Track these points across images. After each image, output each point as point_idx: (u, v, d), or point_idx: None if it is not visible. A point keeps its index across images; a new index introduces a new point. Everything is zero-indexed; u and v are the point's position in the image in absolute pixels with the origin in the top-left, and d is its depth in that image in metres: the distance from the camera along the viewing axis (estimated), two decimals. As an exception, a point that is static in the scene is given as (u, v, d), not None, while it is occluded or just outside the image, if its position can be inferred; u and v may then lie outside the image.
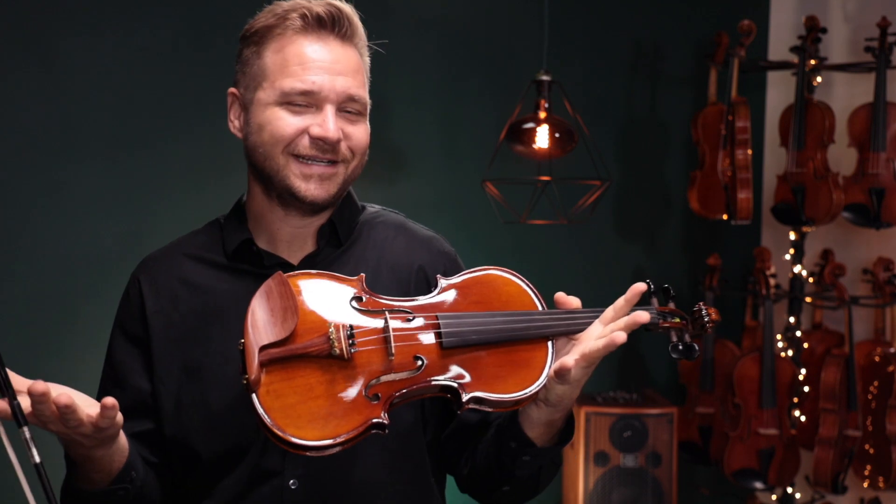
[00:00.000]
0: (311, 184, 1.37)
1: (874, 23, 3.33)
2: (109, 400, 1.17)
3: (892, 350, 3.40)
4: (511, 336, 1.28)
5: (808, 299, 3.52)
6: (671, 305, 1.37)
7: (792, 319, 3.50)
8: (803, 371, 3.44)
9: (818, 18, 3.40)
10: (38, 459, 1.05)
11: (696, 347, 1.34)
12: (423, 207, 3.40)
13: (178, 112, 3.25)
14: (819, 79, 3.45)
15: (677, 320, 1.36)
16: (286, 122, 1.36)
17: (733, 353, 3.52)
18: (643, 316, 1.26)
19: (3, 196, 3.13)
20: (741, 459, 3.45)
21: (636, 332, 1.30)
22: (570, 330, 1.30)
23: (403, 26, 3.46)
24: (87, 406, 1.20)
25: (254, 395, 1.17)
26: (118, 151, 3.21)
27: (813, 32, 3.38)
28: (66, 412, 1.15)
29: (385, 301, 1.29)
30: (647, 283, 1.35)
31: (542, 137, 3.07)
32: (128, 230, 3.19)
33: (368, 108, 1.43)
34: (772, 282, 3.48)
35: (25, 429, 1.07)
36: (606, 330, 1.26)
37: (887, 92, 3.31)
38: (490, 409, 1.27)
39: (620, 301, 1.29)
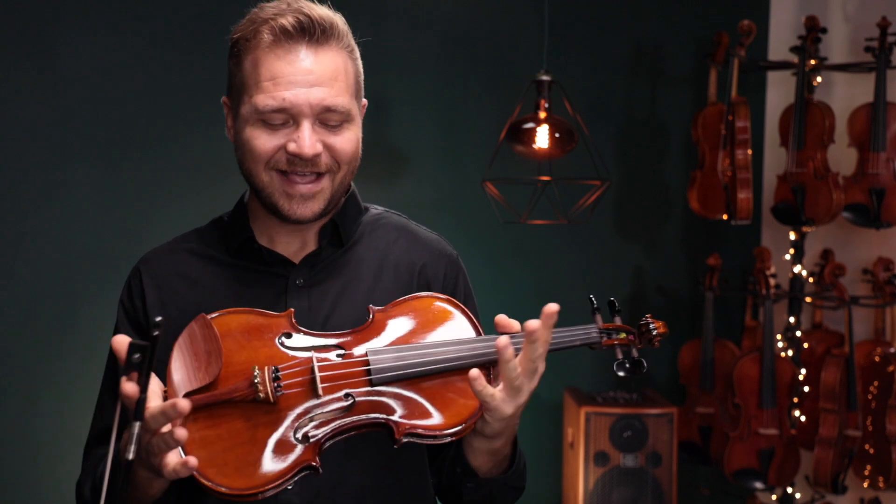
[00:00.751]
0: (294, 203, 1.36)
1: (874, 23, 3.33)
2: (192, 461, 1.14)
3: (892, 350, 3.40)
4: (444, 368, 1.25)
5: (808, 299, 3.52)
6: (617, 321, 1.34)
7: (792, 319, 3.50)
8: (803, 371, 3.44)
9: (818, 18, 3.40)
10: (131, 456, 1.06)
11: (644, 363, 1.31)
12: (423, 207, 3.41)
13: (177, 113, 3.25)
14: (819, 79, 3.45)
15: (623, 335, 1.33)
16: (263, 141, 1.34)
17: (733, 353, 3.52)
18: (532, 324, 1.20)
19: (3, 196, 3.14)
20: (741, 459, 3.45)
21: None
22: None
23: (403, 26, 3.46)
24: None
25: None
26: (118, 152, 3.21)
27: (813, 32, 3.38)
28: (167, 442, 1.12)
29: (313, 335, 1.26)
30: (591, 300, 1.33)
31: (542, 137, 3.07)
32: (127, 230, 3.19)
33: (355, 111, 1.39)
34: (772, 282, 3.48)
35: (137, 424, 1.07)
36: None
37: (887, 92, 3.31)
38: (428, 443, 1.23)
39: (536, 323, 1.23)
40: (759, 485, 3.45)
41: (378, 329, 1.28)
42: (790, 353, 3.48)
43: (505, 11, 3.63)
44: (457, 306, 1.32)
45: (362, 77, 1.44)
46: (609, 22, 3.72)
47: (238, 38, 1.38)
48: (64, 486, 3.18)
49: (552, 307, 1.22)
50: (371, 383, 1.23)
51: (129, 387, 1.08)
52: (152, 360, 1.07)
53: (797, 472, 3.49)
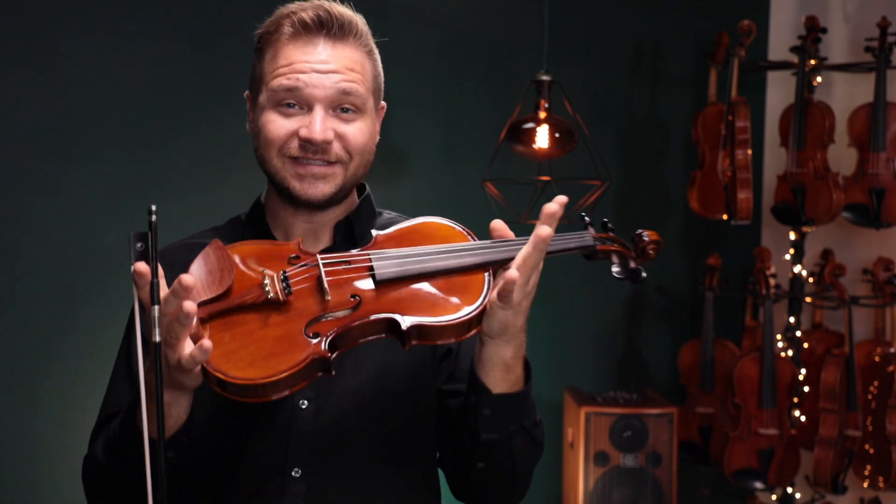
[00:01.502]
0: (305, 183, 1.39)
1: (874, 23, 3.33)
2: (206, 343, 1.16)
3: (892, 350, 3.40)
4: (446, 266, 1.28)
5: (808, 299, 3.53)
6: (610, 235, 1.38)
7: (792, 319, 3.50)
8: (803, 371, 3.44)
9: (818, 18, 3.40)
10: (157, 339, 1.12)
11: (641, 269, 1.34)
12: (423, 207, 3.38)
13: (178, 112, 3.25)
14: (819, 79, 3.45)
15: (617, 246, 1.37)
16: (277, 125, 1.38)
17: (733, 353, 3.52)
18: (558, 201, 1.25)
19: (3, 196, 3.14)
20: (741, 459, 3.45)
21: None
22: (504, 257, 1.29)
23: (403, 26, 3.46)
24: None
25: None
26: (118, 151, 3.22)
27: (813, 32, 3.38)
28: (180, 320, 1.14)
29: (318, 255, 1.31)
30: (582, 216, 1.36)
31: (542, 137, 3.07)
32: (128, 230, 3.19)
33: (370, 105, 1.42)
34: (772, 282, 3.48)
35: (155, 307, 1.13)
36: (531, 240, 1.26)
37: (887, 92, 3.31)
38: (437, 341, 1.26)
39: (541, 217, 1.28)
40: (759, 485, 3.45)
41: (381, 244, 1.33)
42: (790, 353, 3.48)
43: (505, 11, 3.63)
44: (456, 224, 1.36)
45: (382, 80, 1.47)
46: (609, 22, 3.73)
47: (261, 33, 1.43)
48: (64, 486, 3.19)
49: (562, 198, 1.27)
50: (375, 281, 1.26)
51: (140, 265, 1.13)
52: (156, 244, 1.13)
53: (797, 472, 3.49)
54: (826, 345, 3.49)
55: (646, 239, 1.38)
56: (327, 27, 1.38)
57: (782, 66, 3.53)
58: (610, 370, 3.81)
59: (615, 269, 1.34)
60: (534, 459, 1.42)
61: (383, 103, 1.49)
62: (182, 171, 3.27)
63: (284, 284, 1.24)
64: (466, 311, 1.26)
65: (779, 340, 3.51)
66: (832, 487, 3.38)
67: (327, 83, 1.36)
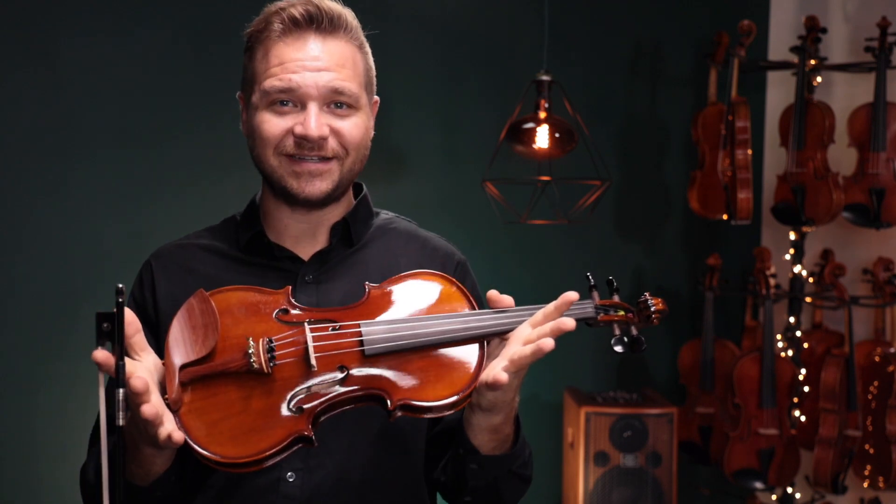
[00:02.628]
0: (302, 181, 1.38)
1: (874, 23, 3.33)
2: (177, 435, 1.15)
3: (892, 350, 3.40)
4: (438, 340, 1.25)
5: (808, 299, 3.52)
6: (615, 298, 1.33)
7: (792, 319, 3.50)
8: (803, 371, 3.44)
9: (818, 18, 3.40)
10: (122, 422, 1.08)
11: (643, 340, 1.30)
12: (423, 207, 3.41)
13: (178, 112, 3.25)
14: (819, 79, 3.45)
15: (621, 313, 1.31)
16: (272, 125, 1.38)
17: (733, 353, 3.52)
18: (568, 324, 1.20)
19: (4, 196, 3.14)
20: (741, 459, 3.45)
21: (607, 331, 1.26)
22: (499, 330, 1.26)
23: (403, 26, 3.46)
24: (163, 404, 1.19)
25: (176, 416, 1.17)
26: (119, 151, 3.22)
27: (813, 32, 3.38)
28: (144, 422, 1.14)
29: (308, 311, 1.28)
30: (588, 277, 1.33)
31: (542, 137, 3.07)
32: (128, 230, 3.20)
33: (364, 100, 1.42)
34: (772, 282, 3.48)
35: (121, 391, 1.09)
36: (534, 335, 1.22)
37: (887, 92, 3.31)
38: (424, 416, 1.23)
39: (550, 307, 1.24)
40: (759, 485, 3.45)
41: (373, 304, 1.29)
42: (790, 353, 3.48)
43: (505, 11, 3.63)
44: (451, 282, 1.32)
45: (374, 73, 1.47)
46: (609, 22, 3.73)
47: (251, 32, 1.43)
48: (64, 486, 3.19)
49: (571, 295, 1.24)
50: (364, 355, 1.23)
51: (99, 354, 1.11)
52: (122, 327, 1.10)
53: (797, 472, 3.49)
54: (826, 345, 3.49)
55: (651, 308, 1.32)
56: (317, 22, 1.37)
57: (782, 66, 3.53)
58: (610, 370, 3.81)
59: (616, 345, 1.28)
60: (521, 493, 1.43)
61: (376, 98, 1.48)
62: (181, 171, 3.27)
63: (270, 356, 1.21)
64: (455, 395, 1.22)
65: (779, 340, 3.51)
66: (832, 487, 3.38)
67: (320, 82, 1.36)
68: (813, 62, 3.40)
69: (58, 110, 3.15)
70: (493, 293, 1.28)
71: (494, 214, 3.24)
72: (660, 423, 3.38)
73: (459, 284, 1.33)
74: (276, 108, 1.37)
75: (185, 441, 1.16)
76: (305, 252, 1.46)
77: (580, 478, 3.36)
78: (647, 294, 1.34)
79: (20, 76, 3.11)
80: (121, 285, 1.09)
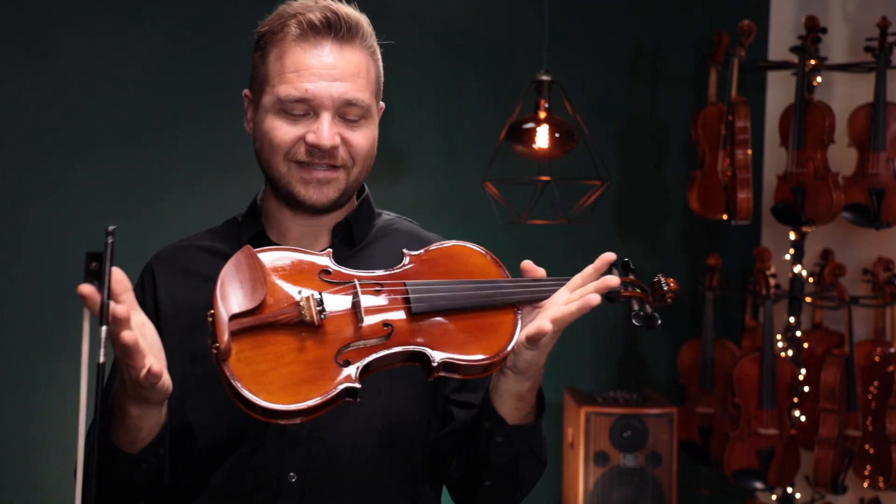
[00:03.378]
0: (310, 188, 1.38)
1: (874, 23, 3.33)
2: (156, 367, 1.16)
3: (892, 350, 3.40)
4: (478, 303, 1.29)
5: (808, 299, 3.52)
6: (631, 277, 1.39)
7: (792, 319, 3.50)
8: (803, 371, 3.44)
9: (818, 18, 3.40)
10: (102, 360, 1.06)
11: (658, 317, 1.36)
12: (423, 207, 3.41)
13: (178, 112, 3.25)
14: (819, 79, 3.45)
15: (638, 290, 1.39)
16: (283, 131, 1.37)
17: (733, 353, 3.52)
18: (613, 280, 1.28)
19: (4, 196, 3.14)
20: (741, 459, 3.45)
21: (631, 332, 1.30)
22: (535, 297, 1.31)
23: (403, 26, 3.46)
24: (154, 356, 1.19)
25: (224, 365, 1.17)
26: (119, 151, 3.22)
27: (813, 32, 3.38)
28: (124, 350, 1.14)
29: (353, 272, 1.30)
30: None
31: (542, 137, 3.07)
32: (128, 230, 3.18)
33: (374, 110, 1.42)
34: (772, 282, 3.48)
35: (103, 328, 1.09)
36: (576, 294, 1.27)
37: (887, 92, 3.31)
38: (461, 376, 1.27)
39: (589, 269, 1.31)
40: (759, 485, 3.45)
41: (413, 269, 1.33)
42: (790, 353, 3.48)
43: (505, 11, 3.63)
44: (487, 253, 1.37)
45: (382, 79, 1.47)
46: (609, 22, 3.73)
47: (265, 31, 1.41)
48: (64, 486, 3.18)
49: (610, 255, 1.32)
50: (410, 312, 1.26)
51: (85, 287, 1.10)
52: (110, 265, 1.10)
53: (797, 472, 3.49)
54: (826, 345, 3.49)
55: (665, 288, 1.41)
56: (335, 29, 1.37)
57: (782, 66, 3.53)
58: (610, 370, 3.81)
59: (635, 319, 1.36)
60: (537, 476, 1.44)
61: (382, 104, 1.49)
62: (182, 171, 3.27)
63: (320, 308, 1.23)
64: (496, 352, 1.26)
65: (779, 340, 3.51)
66: (832, 487, 3.38)
67: (334, 93, 1.35)
68: (813, 62, 3.40)
69: (58, 110, 3.15)
70: (527, 263, 1.33)
71: (494, 214, 3.24)
72: (660, 423, 3.38)
73: (494, 256, 1.36)
74: (287, 115, 1.37)
75: (234, 388, 1.17)
76: None
77: (580, 478, 3.36)
78: (660, 275, 1.41)
79: (20, 76, 3.11)
80: (111, 227, 1.10)
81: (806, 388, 3.43)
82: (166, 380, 1.21)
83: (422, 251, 1.36)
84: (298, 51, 1.36)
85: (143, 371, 1.16)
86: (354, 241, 1.47)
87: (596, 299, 1.24)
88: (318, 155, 1.37)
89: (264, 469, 1.37)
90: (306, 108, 1.36)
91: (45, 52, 3.13)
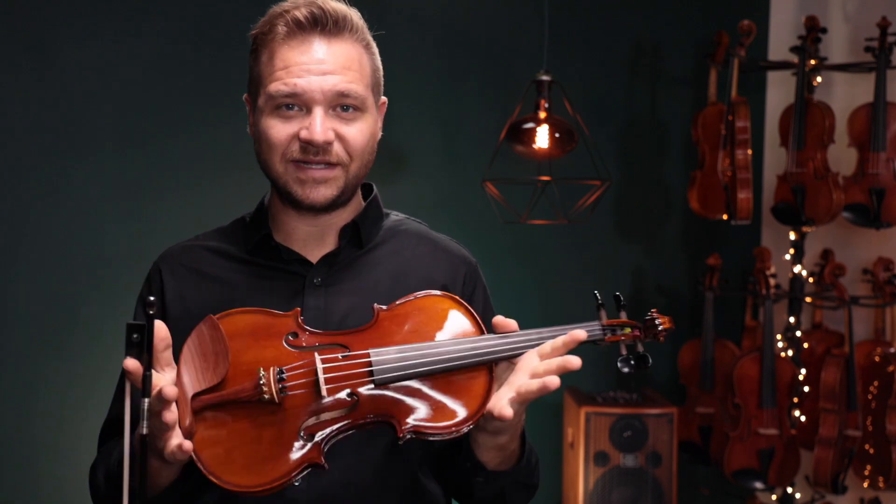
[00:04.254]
0: (307, 188, 1.38)
1: (874, 23, 3.33)
2: (187, 444, 1.18)
3: (892, 350, 3.40)
4: (446, 367, 1.26)
5: (808, 299, 3.52)
6: (622, 315, 1.35)
7: (792, 319, 3.50)
8: (803, 371, 3.44)
9: (818, 18, 3.40)
10: (145, 431, 1.11)
11: (648, 358, 1.32)
12: (423, 207, 3.39)
13: (178, 112, 3.25)
14: (819, 79, 3.45)
15: (627, 331, 1.34)
16: (277, 130, 1.37)
17: (733, 353, 3.52)
18: (573, 362, 1.24)
19: (3, 196, 3.14)
20: (741, 459, 3.45)
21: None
22: (507, 356, 1.28)
23: (403, 26, 3.46)
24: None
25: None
26: (118, 151, 3.22)
27: (813, 32, 3.38)
28: (160, 427, 1.16)
29: (318, 335, 1.29)
30: (595, 295, 1.34)
31: (542, 137, 3.07)
32: (128, 230, 3.20)
33: (369, 103, 1.40)
34: (772, 282, 3.48)
35: (146, 400, 1.12)
36: (541, 368, 1.24)
37: (887, 92, 3.31)
38: (431, 440, 1.25)
39: (558, 342, 1.27)
40: (759, 485, 3.45)
41: (382, 328, 1.30)
42: (790, 353, 3.48)
43: (505, 11, 3.63)
44: (460, 304, 1.33)
45: (381, 73, 1.45)
46: (609, 22, 3.73)
47: (256, 34, 1.41)
48: (64, 486, 3.19)
49: (580, 335, 1.28)
50: (374, 383, 1.25)
51: (130, 363, 1.13)
52: (151, 338, 1.12)
53: (797, 472, 3.49)
54: (826, 345, 3.49)
55: (659, 327, 1.35)
56: (321, 24, 1.36)
57: (782, 66, 3.53)
58: (610, 370, 3.80)
59: (622, 367, 1.32)
60: (528, 499, 1.44)
61: (384, 98, 1.47)
62: (182, 171, 3.27)
63: (280, 386, 1.22)
64: (465, 422, 1.25)
65: (779, 340, 3.51)
66: (832, 487, 3.38)
67: (325, 86, 1.35)
68: (813, 62, 3.40)
69: (58, 110, 3.15)
70: (498, 318, 1.30)
71: (494, 214, 3.24)
72: (660, 423, 3.38)
73: (467, 305, 1.33)
74: (281, 113, 1.36)
75: (198, 468, 1.19)
76: (314, 255, 1.45)
77: (580, 478, 3.36)
78: (653, 311, 1.36)
79: (20, 77, 3.11)
80: (151, 298, 1.12)
81: (806, 388, 3.43)
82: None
83: (391, 306, 1.32)
84: (286, 49, 1.36)
85: (173, 448, 1.17)
86: (362, 242, 1.46)
87: (555, 383, 1.21)
88: (313, 151, 1.35)
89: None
90: (298, 105, 1.36)
91: (46, 53, 3.13)
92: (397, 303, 1.32)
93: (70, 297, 3.18)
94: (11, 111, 3.12)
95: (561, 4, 3.38)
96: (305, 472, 1.21)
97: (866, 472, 3.39)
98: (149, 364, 1.12)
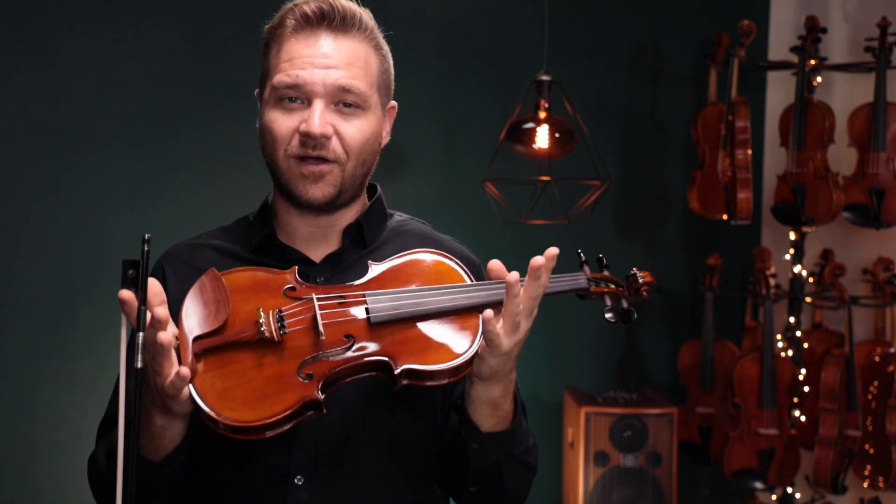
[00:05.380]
0: (306, 184, 1.38)
1: (874, 23, 3.33)
2: (184, 370, 1.19)
3: (892, 350, 3.40)
4: (440, 309, 1.30)
5: (808, 299, 3.52)
6: (606, 274, 1.40)
7: (792, 319, 3.50)
8: (803, 371, 3.44)
9: (818, 18, 3.40)
10: (140, 365, 1.13)
11: (633, 311, 1.35)
12: (423, 207, 3.38)
13: (178, 111, 3.25)
14: (819, 79, 3.45)
15: (612, 286, 1.39)
16: (279, 123, 1.37)
17: (733, 353, 3.52)
18: (552, 251, 1.28)
19: (3, 196, 3.14)
20: (741, 459, 3.45)
21: (631, 332, 1.30)
22: (496, 300, 1.30)
23: (403, 26, 3.43)
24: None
25: (190, 385, 1.21)
26: (119, 151, 3.22)
27: (813, 32, 3.38)
28: (158, 350, 1.18)
29: (315, 287, 1.33)
30: (578, 253, 1.39)
31: (542, 137, 3.07)
32: (128, 230, 3.19)
33: (372, 102, 1.40)
34: (772, 282, 3.48)
35: (140, 334, 1.14)
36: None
37: (887, 92, 3.31)
38: (427, 383, 1.28)
39: (537, 258, 1.28)
40: (759, 485, 3.45)
41: (376, 280, 1.34)
42: (790, 353, 3.48)
43: (505, 11, 3.63)
44: (450, 258, 1.37)
45: (391, 77, 1.47)
46: (609, 22, 3.73)
47: (268, 28, 1.42)
48: (64, 486, 3.19)
49: (553, 250, 1.29)
50: (370, 323, 1.28)
51: (125, 293, 1.16)
52: (146, 272, 1.16)
53: (797, 472, 3.49)
54: (826, 345, 3.49)
55: (640, 280, 1.41)
56: (329, 19, 1.37)
57: (782, 66, 3.53)
58: (610, 370, 3.80)
59: (608, 314, 1.36)
60: (525, 483, 1.44)
61: (393, 103, 1.48)
62: (182, 170, 3.27)
63: (280, 324, 1.26)
64: (458, 359, 1.27)
65: (779, 340, 3.51)
66: (832, 487, 3.38)
67: (327, 80, 1.35)
68: (813, 62, 3.40)
69: (58, 110, 3.15)
70: (494, 263, 1.31)
71: (494, 214, 3.24)
72: (660, 423, 3.38)
73: (457, 261, 1.37)
74: (283, 105, 1.37)
75: (198, 406, 1.21)
76: (317, 254, 1.44)
77: (580, 478, 3.36)
78: (635, 269, 1.41)
79: (20, 76, 3.11)
80: (147, 235, 1.15)
81: (806, 388, 3.43)
82: (184, 422, 1.26)
83: (387, 262, 1.36)
84: (293, 42, 1.37)
85: (171, 377, 1.19)
86: (365, 242, 1.46)
87: (539, 260, 1.25)
88: (310, 145, 1.35)
89: (271, 472, 1.37)
90: (300, 97, 1.36)
91: (46, 52, 3.13)
92: (390, 259, 1.37)
93: (70, 297, 3.18)
94: (11, 111, 3.12)
95: (561, 4, 3.38)
96: (306, 414, 1.23)
97: (866, 472, 3.39)
98: (143, 298, 1.14)
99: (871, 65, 3.36)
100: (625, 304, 1.38)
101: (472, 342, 1.28)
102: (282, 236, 1.46)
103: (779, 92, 3.76)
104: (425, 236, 1.53)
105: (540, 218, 3.24)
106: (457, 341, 1.28)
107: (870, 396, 3.39)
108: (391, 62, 1.46)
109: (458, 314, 1.30)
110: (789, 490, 3.51)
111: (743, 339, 3.62)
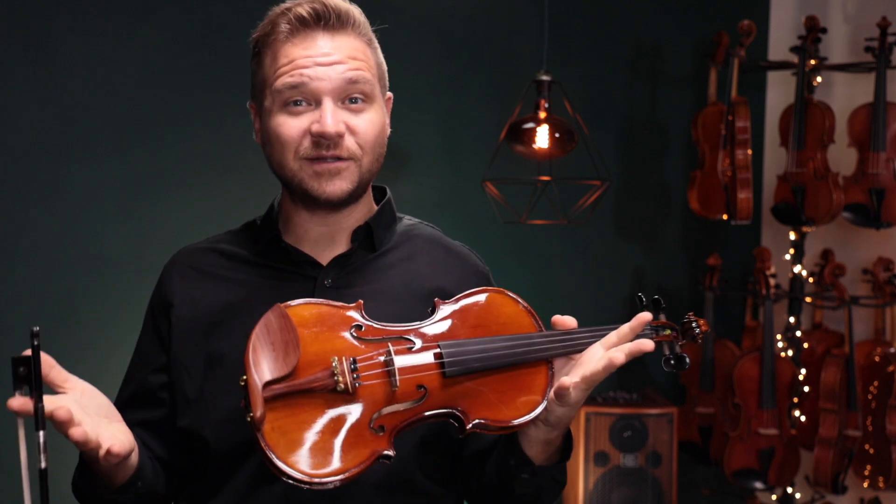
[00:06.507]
0: (323, 181, 1.36)
1: (874, 23, 3.33)
2: (116, 447, 1.18)
3: (892, 350, 3.40)
4: (511, 361, 1.29)
5: (808, 299, 3.53)
6: (662, 318, 1.38)
7: (792, 319, 3.50)
8: (803, 371, 3.44)
9: (818, 18, 3.40)
10: (44, 465, 1.08)
11: (687, 358, 1.35)
12: (423, 207, 3.40)
13: (178, 112, 3.25)
14: (819, 79, 3.45)
15: (668, 332, 1.37)
16: (288, 126, 1.35)
17: (733, 353, 3.52)
18: (648, 345, 1.28)
19: (3, 196, 3.13)
20: (741, 459, 3.45)
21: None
22: (568, 351, 1.31)
23: (403, 26, 3.46)
24: (108, 429, 1.23)
25: (259, 434, 1.16)
26: (118, 151, 3.21)
27: (813, 32, 3.38)
28: (77, 445, 1.17)
29: (384, 328, 1.29)
30: (639, 297, 1.36)
31: (542, 137, 3.07)
32: (128, 230, 3.19)
33: (377, 93, 1.40)
34: (772, 282, 3.48)
35: (41, 433, 1.08)
36: (608, 353, 1.27)
37: (887, 92, 3.31)
38: (496, 434, 1.28)
39: (625, 328, 1.30)
40: (759, 485, 3.45)
41: (447, 322, 1.31)
42: (790, 353, 3.48)
43: (505, 11, 3.62)
44: (521, 301, 1.36)
45: (385, 69, 1.45)
46: (609, 22, 3.73)
47: (257, 37, 1.40)
48: (63, 486, 3.18)
49: (646, 316, 1.31)
50: (444, 375, 1.26)
51: (14, 402, 1.12)
52: (39, 370, 1.10)
53: (797, 472, 3.49)
54: (826, 345, 3.49)
55: (696, 330, 1.38)
56: (325, 20, 1.35)
57: (782, 66, 3.53)
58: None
59: (666, 363, 1.36)
60: (556, 496, 1.45)
61: (390, 94, 1.47)
62: (182, 172, 3.26)
63: (355, 376, 1.22)
64: (530, 414, 1.27)
65: (779, 340, 3.51)
66: (832, 487, 3.38)
67: (333, 74, 1.34)
68: (813, 62, 3.40)
69: (58, 110, 3.14)
70: (557, 317, 1.33)
71: (494, 214, 3.24)
72: (660, 423, 3.38)
73: (525, 303, 1.35)
74: (290, 109, 1.35)
75: (268, 458, 1.16)
76: (324, 257, 1.44)
77: (580, 478, 3.36)
78: (690, 314, 1.40)
79: (20, 76, 3.11)
80: (36, 328, 1.10)
81: (806, 388, 3.43)
82: (132, 457, 1.28)
83: (455, 302, 1.33)
84: (290, 46, 1.35)
85: (103, 455, 1.19)
86: (375, 245, 1.46)
87: (620, 359, 1.25)
88: (325, 145, 1.34)
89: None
90: (306, 99, 1.34)
91: (45, 52, 3.13)
92: (457, 298, 1.34)
93: (69, 297, 3.18)
94: (11, 110, 3.11)
95: (561, 4, 3.37)
96: (374, 463, 1.21)
97: (866, 472, 3.39)
98: (39, 395, 1.09)
99: (871, 65, 3.36)
100: (678, 349, 1.37)
101: (543, 396, 1.28)
102: (289, 238, 1.45)
103: (779, 92, 3.76)
104: (434, 240, 1.53)
105: (540, 218, 3.24)
106: (528, 395, 1.28)
107: (870, 396, 3.39)
108: (382, 56, 1.45)
109: (528, 365, 1.30)
110: (789, 490, 3.51)
111: (743, 339, 3.62)
